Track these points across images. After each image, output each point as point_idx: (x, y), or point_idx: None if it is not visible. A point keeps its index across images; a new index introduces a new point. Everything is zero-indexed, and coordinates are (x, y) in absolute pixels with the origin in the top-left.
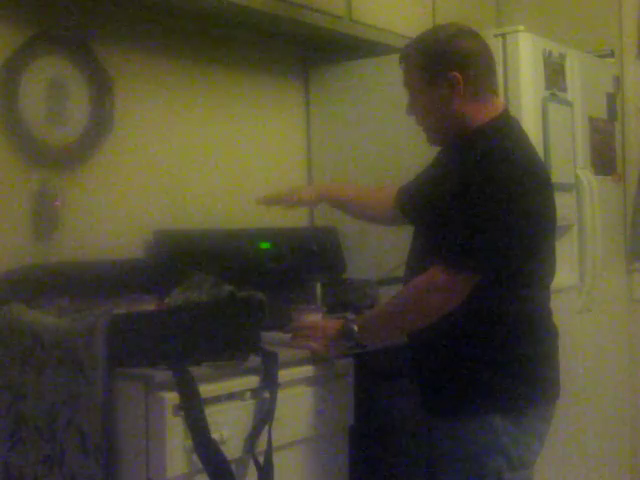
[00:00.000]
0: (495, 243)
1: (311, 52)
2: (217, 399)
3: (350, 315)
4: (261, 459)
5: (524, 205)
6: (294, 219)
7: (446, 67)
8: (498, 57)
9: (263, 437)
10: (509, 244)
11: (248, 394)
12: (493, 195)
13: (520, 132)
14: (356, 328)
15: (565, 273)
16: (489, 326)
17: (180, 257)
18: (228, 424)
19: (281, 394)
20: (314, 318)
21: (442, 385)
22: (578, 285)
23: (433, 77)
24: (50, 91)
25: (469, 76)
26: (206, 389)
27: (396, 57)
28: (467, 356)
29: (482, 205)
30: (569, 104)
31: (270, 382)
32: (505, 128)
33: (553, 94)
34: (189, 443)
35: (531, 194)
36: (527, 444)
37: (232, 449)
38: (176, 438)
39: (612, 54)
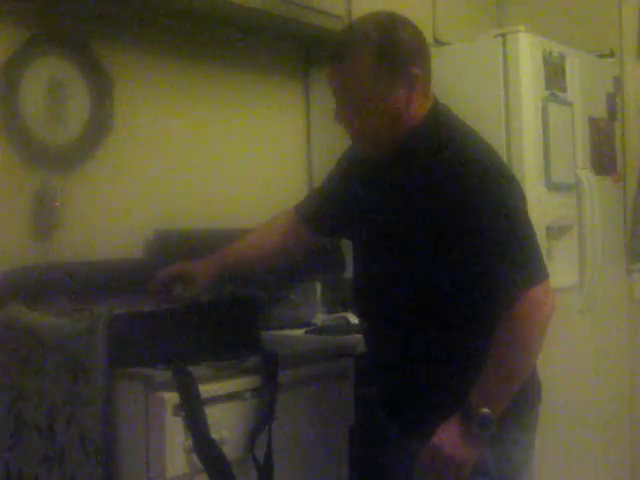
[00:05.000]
0: (534, 240)
1: (311, 52)
2: (217, 399)
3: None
4: (261, 459)
5: (520, 197)
6: None
7: (404, 64)
8: (498, 57)
9: (263, 437)
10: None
11: (248, 394)
12: (500, 202)
13: (454, 114)
14: (488, 411)
15: (565, 273)
16: (465, 344)
17: (180, 257)
18: (228, 424)
19: (281, 394)
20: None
21: (418, 406)
22: (578, 285)
23: (390, 77)
24: (50, 91)
25: (424, 71)
26: (206, 389)
27: None
28: (445, 375)
29: (500, 216)
30: (569, 104)
31: (270, 382)
32: (446, 116)
33: (553, 94)
34: (189, 443)
35: (514, 180)
36: (511, 459)
37: (232, 449)
38: (176, 438)
39: (612, 54)
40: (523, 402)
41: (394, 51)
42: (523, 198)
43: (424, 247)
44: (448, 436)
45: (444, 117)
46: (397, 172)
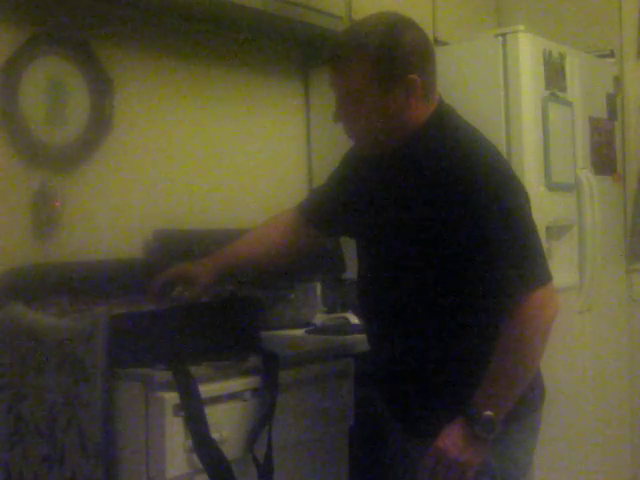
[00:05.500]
0: (538, 242)
1: (311, 52)
2: (217, 399)
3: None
4: (261, 459)
5: (524, 199)
6: None
7: (402, 70)
8: (498, 57)
9: (263, 437)
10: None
11: (248, 394)
12: (504, 204)
13: (458, 116)
14: (492, 414)
15: (565, 273)
16: (468, 346)
17: (180, 257)
18: (228, 424)
19: (281, 394)
20: None
21: (422, 405)
22: (578, 285)
23: (386, 82)
24: (50, 91)
25: (424, 76)
26: (206, 389)
27: None
28: (448, 376)
29: (504, 218)
30: (569, 104)
31: (270, 382)
32: (450, 118)
33: (553, 94)
34: (189, 443)
35: (518, 182)
36: (514, 459)
37: (232, 449)
38: (176, 438)
39: (612, 54)
40: (527, 403)
41: (393, 56)
42: (527, 200)
43: (427, 248)
44: (452, 439)
45: (448, 118)
46: (400, 172)
